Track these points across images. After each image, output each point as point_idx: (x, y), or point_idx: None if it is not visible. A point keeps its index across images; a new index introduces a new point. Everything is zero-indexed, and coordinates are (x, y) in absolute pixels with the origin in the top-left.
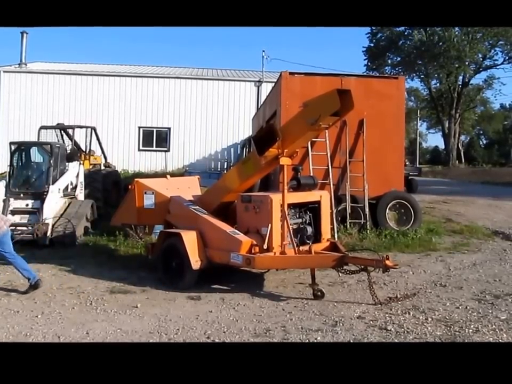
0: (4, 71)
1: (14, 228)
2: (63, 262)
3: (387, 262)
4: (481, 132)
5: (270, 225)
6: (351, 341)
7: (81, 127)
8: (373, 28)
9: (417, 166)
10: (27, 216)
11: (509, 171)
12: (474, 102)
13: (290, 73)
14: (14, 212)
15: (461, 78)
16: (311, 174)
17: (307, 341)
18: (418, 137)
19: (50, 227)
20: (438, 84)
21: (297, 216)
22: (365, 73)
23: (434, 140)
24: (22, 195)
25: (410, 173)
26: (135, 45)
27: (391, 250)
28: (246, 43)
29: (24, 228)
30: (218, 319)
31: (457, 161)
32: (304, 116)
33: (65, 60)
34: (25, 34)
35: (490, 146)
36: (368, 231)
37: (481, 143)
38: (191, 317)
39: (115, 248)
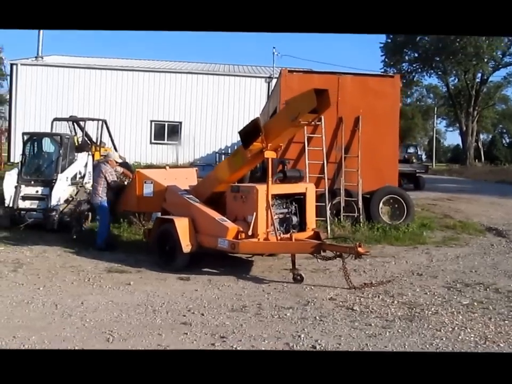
0: (21, 64)
1: (25, 212)
2: (69, 244)
3: (359, 249)
4: (504, 131)
5: (255, 213)
6: (317, 318)
7: (92, 119)
8: None
9: (424, 163)
10: (37, 202)
11: None
12: (493, 99)
13: (289, 71)
14: (24, 198)
15: (479, 75)
16: (297, 168)
17: (277, 316)
18: (434, 135)
19: (58, 212)
20: (455, 81)
21: (284, 207)
22: (382, 70)
23: (457, 138)
24: (32, 182)
25: (417, 170)
26: (148, 37)
27: (380, 243)
28: (257, 38)
29: (35, 213)
30: (201, 297)
31: (476, 160)
32: (286, 113)
33: (81, 52)
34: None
35: None
36: (361, 224)
37: (504, 141)
38: (177, 294)
39: (118, 234)
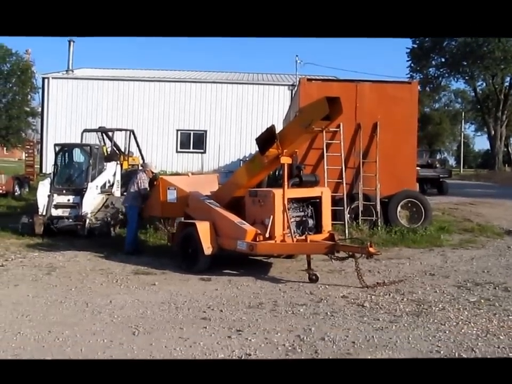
0: (52, 77)
1: (57, 220)
2: (98, 249)
3: (370, 249)
4: None
5: (272, 216)
6: (328, 313)
7: (120, 130)
8: None
9: (448, 168)
10: (68, 210)
11: None
12: None
13: (308, 80)
14: (57, 206)
15: (508, 79)
16: (316, 173)
17: (291, 311)
18: (462, 140)
19: (88, 219)
20: (483, 85)
21: (300, 210)
22: (408, 76)
23: (487, 143)
24: (64, 191)
25: (441, 175)
26: (173, 48)
27: (398, 246)
28: (280, 46)
29: (66, 220)
30: (221, 295)
31: (506, 165)
32: (299, 120)
33: (109, 65)
34: (72, 43)
35: None
36: (379, 228)
37: None
38: (199, 293)
39: (145, 239)
